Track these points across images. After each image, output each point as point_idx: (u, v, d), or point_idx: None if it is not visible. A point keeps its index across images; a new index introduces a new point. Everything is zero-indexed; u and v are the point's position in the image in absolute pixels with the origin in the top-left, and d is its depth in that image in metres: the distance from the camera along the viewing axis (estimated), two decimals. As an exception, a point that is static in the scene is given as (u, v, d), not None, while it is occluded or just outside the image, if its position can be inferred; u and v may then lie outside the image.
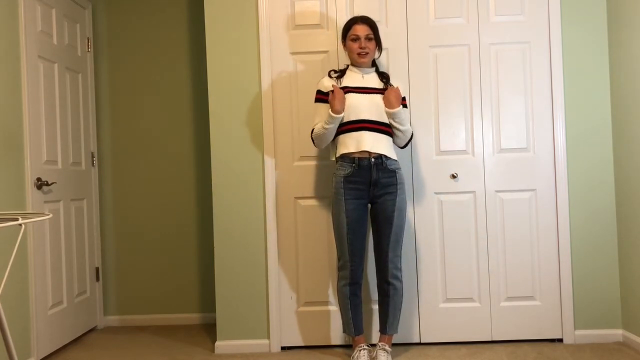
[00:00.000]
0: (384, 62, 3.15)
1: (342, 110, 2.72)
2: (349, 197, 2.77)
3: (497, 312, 3.13)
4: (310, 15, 3.20)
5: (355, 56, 2.81)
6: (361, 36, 2.77)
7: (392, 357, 2.85)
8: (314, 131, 2.83)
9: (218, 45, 3.22)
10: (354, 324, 2.84)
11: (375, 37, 2.80)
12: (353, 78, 2.85)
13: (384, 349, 2.80)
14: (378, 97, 2.78)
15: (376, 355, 2.80)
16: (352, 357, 2.82)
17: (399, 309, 2.84)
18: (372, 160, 2.75)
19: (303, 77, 3.19)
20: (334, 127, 2.76)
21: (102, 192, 3.91)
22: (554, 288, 3.12)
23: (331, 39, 3.18)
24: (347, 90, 2.79)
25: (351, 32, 2.81)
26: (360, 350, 2.80)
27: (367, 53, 2.79)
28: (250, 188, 3.19)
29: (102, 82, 3.93)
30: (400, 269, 2.83)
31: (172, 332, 3.64)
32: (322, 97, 2.85)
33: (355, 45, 2.79)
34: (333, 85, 2.76)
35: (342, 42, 2.88)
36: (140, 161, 3.91)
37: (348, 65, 2.92)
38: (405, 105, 2.87)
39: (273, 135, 3.19)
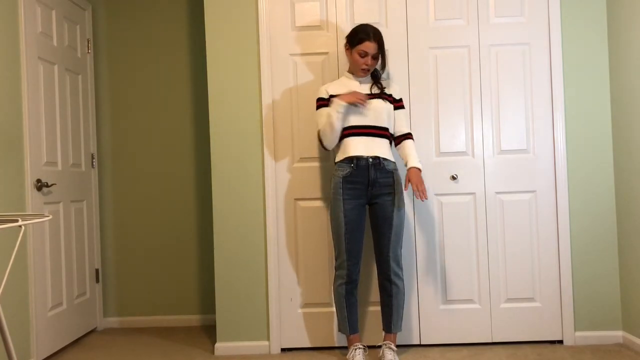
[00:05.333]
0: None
1: (351, 102, 2.74)
2: (348, 197, 2.80)
3: (497, 313, 3.13)
4: (310, 17, 3.20)
5: (358, 70, 2.86)
6: (370, 54, 2.81)
7: (393, 359, 2.85)
8: (322, 126, 2.83)
9: (218, 46, 3.22)
10: (349, 323, 2.87)
11: (381, 55, 2.84)
12: (348, 85, 2.89)
13: (390, 347, 2.83)
14: (374, 102, 2.83)
15: (383, 354, 2.81)
16: (348, 357, 2.84)
17: (402, 307, 2.88)
18: (370, 160, 2.78)
19: (303, 78, 3.19)
20: (340, 115, 2.76)
21: (102, 194, 3.91)
22: (554, 289, 3.12)
23: (331, 41, 3.18)
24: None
25: (361, 47, 2.79)
26: (355, 350, 2.83)
27: (369, 70, 2.86)
28: (250, 189, 3.19)
29: (102, 84, 3.93)
30: (401, 268, 2.86)
31: (172, 334, 3.64)
32: (323, 102, 2.87)
33: (361, 61, 2.82)
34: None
35: (347, 47, 2.88)
36: (140, 162, 3.91)
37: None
38: (402, 107, 2.92)
39: (273, 137, 3.19)
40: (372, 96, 2.84)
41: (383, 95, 2.86)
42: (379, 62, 2.87)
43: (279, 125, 3.19)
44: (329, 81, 3.09)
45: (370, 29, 2.81)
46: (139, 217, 3.90)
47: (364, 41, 2.79)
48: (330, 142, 2.84)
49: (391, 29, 3.17)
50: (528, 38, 3.15)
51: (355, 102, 2.74)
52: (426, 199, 2.77)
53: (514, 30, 3.15)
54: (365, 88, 2.88)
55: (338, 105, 2.75)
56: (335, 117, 2.75)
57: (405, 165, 2.85)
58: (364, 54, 2.81)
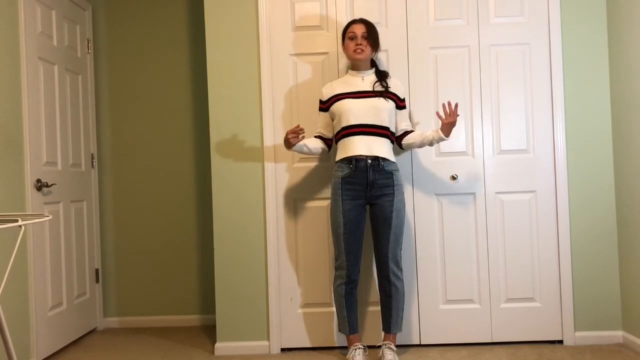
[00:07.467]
0: (384, 63, 3.15)
1: (290, 146, 2.80)
2: (346, 198, 2.80)
3: (497, 313, 3.13)
4: (310, 17, 3.20)
5: (352, 53, 2.87)
6: (357, 34, 2.84)
7: (393, 358, 2.86)
8: None
9: (218, 46, 3.22)
10: (349, 323, 2.87)
11: (371, 36, 2.85)
12: (351, 82, 2.90)
13: (390, 348, 2.83)
14: (376, 100, 2.82)
15: (382, 354, 2.81)
16: (348, 357, 2.84)
17: (401, 307, 2.88)
18: (369, 161, 2.79)
19: (303, 78, 3.19)
20: (298, 150, 2.88)
21: (102, 194, 3.91)
22: (554, 289, 3.12)
23: (331, 41, 3.18)
24: (343, 96, 2.86)
25: (349, 30, 2.88)
26: (355, 350, 2.83)
27: (362, 50, 2.83)
28: (250, 189, 3.19)
29: (102, 84, 3.93)
30: (400, 269, 2.86)
31: (172, 334, 3.64)
32: (321, 105, 2.96)
33: (351, 44, 2.85)
34: (293, 131, 2.78)
35: (342, 43, 2.94)
36: (140, 162, 3.91)
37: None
38: (405, 107, 2.91)
39: (273, 137, 3.19)
40: (373, 94, 2.84)
41: (386, 94, 2.85)
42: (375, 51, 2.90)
43: (279, 125, 3.19)
44: (329, 81, 3.09)
45: (358, 18, 2.94)
46: (139, 217, 3.90)
47: (350, 25, 2.89)
48: (318, 155, 3.02)
49: (391, 29, 3.17)
50: (528, 38, 3.15)
51: (291, 142, 2.77)
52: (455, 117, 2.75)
53: (514, 30, 3.15)
54: (367, 84, 2.87)
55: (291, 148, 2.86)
56: (297, 151, 2.90)
57: (430, 138, 2.82)
58: (352, 36, 2.85)
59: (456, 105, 2.73)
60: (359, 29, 2.84)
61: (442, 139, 2.81)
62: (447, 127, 2.77)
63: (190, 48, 3.92)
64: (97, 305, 3.81)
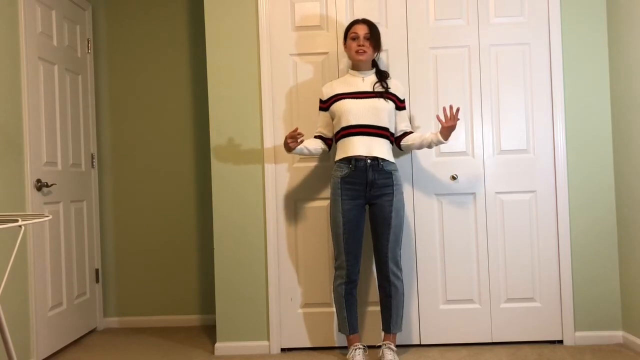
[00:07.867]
0: (384, 63, 3.15)
1: (290, 150, 2.78)
2: (346, 198, 2.80)
3: (498, 313, 3.13)
4: (310, 17, 3.20)
5: (354, 54, 2.86)
6: (360, 35, 2.84)
7: (393, 358, 2.86)
8: None
9: (218, 46, 3.22)
10: (349, 323, 2.87)
11: (373, 37, 2.85)
12: (351, 82, 2.90)
13: (390, 348, 2.83)
14: (376, 101, 2.82)
15: (382, 354, 2.82)
16: (348, 357, 2.84)
17: (401, 307, 2.88)
18: (368, 161, 2.79)
19: (303, 78, 3.19)
20: (304, 154, 2.92)
21: (102, 194, 3.91)
22: (554, 289, 3.12)
23: (331, 41, 3.18)
24: (343, 96, 2.85)
25: (351, 30, 2.88)
26: (355, 350, 2.83)
27: (364, 51, 2.83)
28: (250, 189, 3.19)
29: (102, 84, 3.93)
30: (400, 269, 2.86)
31: (172, 334, 3.64)
32: (321, 105, 2.96)
33: (354, 44, 2.85)
34: (292, 134, 2.76)
35: (344, 43, 2.93)
36: (140, 162, 3.91)
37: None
38: (404, 108, 2.91)
39: (273, 137, 3.19)
40: (373, 95, 2.84)
41: (386, 95, 2.85)
42: (377, 52, 2.90)
43: (279, 125, 3.19)
44: (329, 81, 3.09)
45: (359, 18, 2.93)
46: (139, 217, 3.90)
47: (353, 25, 2.89)
48: (318, 155, 3.04)
49: (391, 29, 3.17)
50: (528, 38, 3.15)
51: (290, 146, 2.75)
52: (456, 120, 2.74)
53: (514, 30, 3.15)
54: (367, 84, 2.87)
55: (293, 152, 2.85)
56: (298, 154, 2.93)
57: (429, 141, 2.82)
58: (355, 37, 2.85)
59: (457, 110, 2.73)
60: (362, 30, 2.84)
61: (440, 142, 2.81)
62: (447, 130, 2.77)
63: (190, 48, 3.92)
64: (97, 305, 3.81)
